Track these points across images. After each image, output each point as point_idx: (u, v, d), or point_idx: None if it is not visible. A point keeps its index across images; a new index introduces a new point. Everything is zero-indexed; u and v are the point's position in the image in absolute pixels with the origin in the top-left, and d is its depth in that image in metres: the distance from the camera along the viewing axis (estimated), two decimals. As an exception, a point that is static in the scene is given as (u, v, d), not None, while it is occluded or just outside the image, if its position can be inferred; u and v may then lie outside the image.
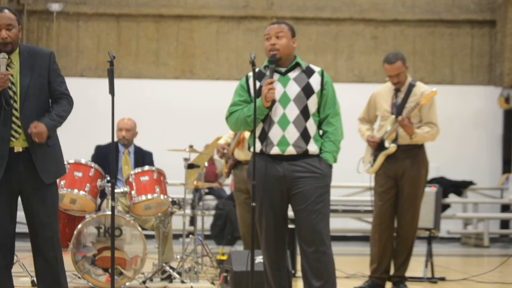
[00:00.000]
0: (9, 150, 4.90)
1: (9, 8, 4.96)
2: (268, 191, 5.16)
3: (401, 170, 7.18)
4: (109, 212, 6.74)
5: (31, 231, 5.02)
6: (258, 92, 5.18)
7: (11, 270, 5.10)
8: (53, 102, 5.07)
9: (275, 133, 5.16)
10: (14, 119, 4.91)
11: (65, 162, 6.91)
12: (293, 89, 5.19)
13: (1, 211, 4.94)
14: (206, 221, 11.23)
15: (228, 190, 13.59)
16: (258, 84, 5.21)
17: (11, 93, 4.90)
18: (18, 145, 4.93)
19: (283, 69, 5.24)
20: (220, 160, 13.19)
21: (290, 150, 5.16)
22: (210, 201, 13.29)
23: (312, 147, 5.19)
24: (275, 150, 5.16)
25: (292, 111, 5.16)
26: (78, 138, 12.60)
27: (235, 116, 5.23)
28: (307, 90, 5.20)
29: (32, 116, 4.93)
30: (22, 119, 4.91)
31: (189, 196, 10.35)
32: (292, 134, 5.15)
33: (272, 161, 5.17)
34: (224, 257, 8.28)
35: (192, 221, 8.65)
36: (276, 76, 5.22)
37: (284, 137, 5.15)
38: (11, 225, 4.99)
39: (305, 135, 5.18)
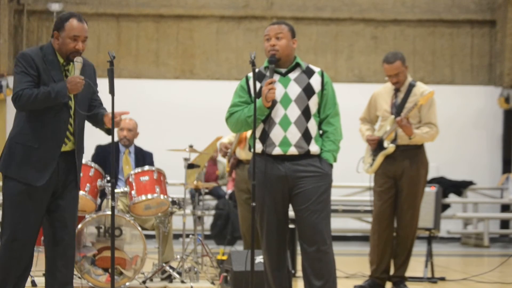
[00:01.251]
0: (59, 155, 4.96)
1: (85, 19, 5.05)
2: (270, 191, 5.17)
3: (400, 170, 7.18)
4: (109, 212, 6.74)
5: (50, 236, 5.03)
6: (258, 93, 5.19)
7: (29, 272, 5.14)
8: (95, 107, 5.15)
9: (276, 134, 5.16)
10: (68, 125, 4.98)
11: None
12: (294, 89, 5.19)
13: (41, 215, 4.97)
14: (206, 221, 11.23)
15: (228, 190, 13.58)
16: (258, 84, 5.21)
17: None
18: (64, 149, 4.98)
19: (283, 70, 5.24)
20: (222, 161, 13.21)
21: (292, 151, 5.16)
22: (210, 201, 13.29)
23: (314, 147, 5.20)
24: (276, 151, 5.17)
25: (294, 112, 5.17)
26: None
27: (235, 117, 5.23)
28: (308, 91, 5.20)
29: (80, 124, 5.03)
30: (75, 126, 4.98)
31: (188, 196, 10.35)
32: (294, 134, 5.16)
33: (273, 161, 5.17)
34: (224, 257, 8.28)
35: (196, 220, 8.63)
36: (277, 77, 5.22)
37: (285, 137, 5.16)
38: (39, 225, 5.02)
39: (306, 136, 5.18)
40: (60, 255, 5.00)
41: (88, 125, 5.20)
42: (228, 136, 8.44)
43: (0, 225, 5.11)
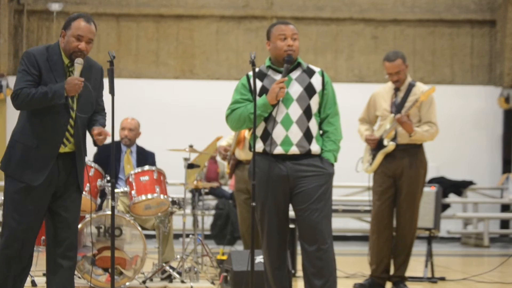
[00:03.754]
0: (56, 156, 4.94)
1: (94, 22, 4.98)
2: (271, 190, 5.17)
3: (400, 169, 7.18)
4: (109, 212, 6.74)
5: (51, 237, 5.03)
6: (259, 92, 5.19)
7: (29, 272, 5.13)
8: (95, 112, 5.13)
9: (278, 133, 5.16)
10: (68, 127, 4.95)
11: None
12: (296, 89, 5.20)
13: (40, 215, 4.96)
14: (206, 221, 11.23)
15: (228, 190, 13.58)
16: (260, 83, 5.21)
17: (69, 100, 4.93)
18: (63, 151, 4.97)
19: (285, 69, 5.25)
20: (223, 161, 13.22)
21: (294, 150, 5.16)
22: (210, 201, 13.29)
23: (315, 147, 5.20)
24: (278, 150, 5.17)
25: (295, 111, 5.17)
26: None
27: (238, 113, 5.21)
28: (310, 90, 5.21)
29: (82, 127, 5.00)
30: (76, 128, 4.96)
31: (188, 196, 10.35)
32: (295, 134, 5.16)
33: (275, 160, 5.17)
34: (224, 257, 8.28)
35: (196, 220, 8.64)
36: (278, 76, 5.22)
37: (287, 137, 5.16)
38: (40, 226, 5.01)
39: (307, 135, 5.18)
40: (62, 256, 5.00)
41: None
42: (226, 139, 8.45)
43: (1, 224, 5.12)
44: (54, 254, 5.03)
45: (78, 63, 4.88)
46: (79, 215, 5.14)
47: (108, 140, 5.06)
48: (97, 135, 4.96)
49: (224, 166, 13.20)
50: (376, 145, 7.26)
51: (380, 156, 7.23)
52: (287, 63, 5.19)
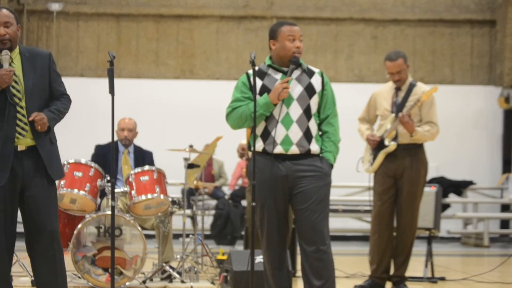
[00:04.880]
0: (14, 150, 4.90)
1: (7, 8, 5.00)
2: (271, 190, 5.17)
3: (401, 169, 7.18)
4: (109, 212, 6.74)
5: (30, 230, 4.98)
6: (260, 91, 5.19)
7: (9, 273, 5.08)
8: (54, 99, 5.10)
9: (278, 132, 5.16)
10: (20, 116, 4.92)
11: (65, 162, 6.97)
12: (296, 88, 5.20)
13: (11, 213, 4.94)
14: (206, 221, 11.22)
15: (228, 190, 13.58)
16: (260, 82, 5.22)
17: (14, 91, 4.92)
18: (23, 144, 4.93)
19: (285, 69, 5.25)
20: (218, 160, 13.22)
21: (294, 150, 5.16)
22: (210, 201, 13.29)
23: (314, 147, 5.20)
24: (278, 149, 5.17)
25: (296, 111, 5.17)
26: (78, 138, 12.60)
27: (239, 112, 5.21)
28: (310, 90, 5.21)
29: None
30: (29, 117, 4.92)
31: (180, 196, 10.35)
32: (296, 133, 5.16)
33: (274, 160, 5.17)
34: (224, 257, 8.28)
35: (195, 220, 8.64)
36: (279, 75, 5.22)
37: (287, 136, 5.16)
38: (13, 226, 4.97)
39: (307, 135, 5.19)
40: (42, 247, 4.95)
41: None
42: (246, 139, 8.46)
43: None
44: (37, 252, 4.96)
45: (3, 54, 4.89)
46: (57, 209, 5.06)
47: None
48: (35, 123, 4.87)
49: (219, 166, 13.23)
50: (377, 145, 7.26)
51: (381, 156, 7.23)
52: (293, 64, 5.19)
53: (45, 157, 4.96)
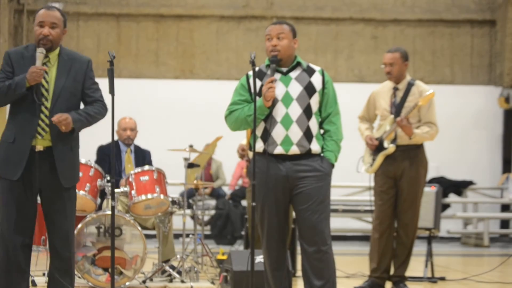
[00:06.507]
0: (30, 148, 4.93)
1: (59, 9, 5.07)
2: (271, 190, 5.16)
3: (400, 171, 7.18)
4: (109, 212, 6.74)
5: (48, 229, 5.06)
6: (259, 92, 5.19)
7: (29, 268, 5.13)
8: (87, 104, 5.13)
9: (278, 133, 5.16)
10: (43, 116, 4.95)
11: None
12: (296, 88, 5.19)
13: (24, 209, 4.96)
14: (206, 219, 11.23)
15: (228, 190, 13.58)
16: (259, 83, 5.21)
17: (43, 90, 4.95)
18: (41, 144, 4.95)
19: (284, 69, 5.25)
20: (216, 160, 13.21)
21: (294, 150, 5.16)
22: (210, 201, 13.29)
23: (315, 146, 5.20)
24: (278, 150, 5.16)
25: (295, 110, 5.17)
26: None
27: (235, 115, 5.22)
28: (309, 89, 5.20)
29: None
30: (51, 118, 4.93)
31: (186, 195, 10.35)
32: (296, 133, 5.16)
33: (275, 160, 5.17)
34: (224, 257, 8.28)
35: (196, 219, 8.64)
36: (278, 75, 5.22)
37: (287, 136, 5.16)
38: (24, 222, 4.99)
39: (308, 134, 5.18)
40: (59, 249, 5.04)
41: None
42: (246, 139, 8.46)
43: None
44: (55, 252, 5.07)
45: (39, 52, 4.94)
46: (74, 213, 5.11)
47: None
48: (58, 123, 4.89)
49: (217, 166, 13.23)
50: (377, 147, 7.25)
51: (380, 157, 7.23)
52: (272, 62, 5.19)
53: (58, 161, 4.97)
